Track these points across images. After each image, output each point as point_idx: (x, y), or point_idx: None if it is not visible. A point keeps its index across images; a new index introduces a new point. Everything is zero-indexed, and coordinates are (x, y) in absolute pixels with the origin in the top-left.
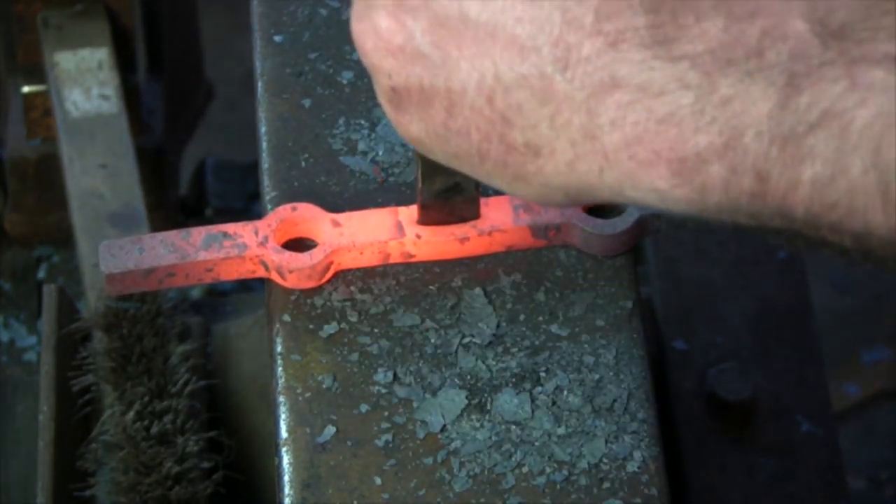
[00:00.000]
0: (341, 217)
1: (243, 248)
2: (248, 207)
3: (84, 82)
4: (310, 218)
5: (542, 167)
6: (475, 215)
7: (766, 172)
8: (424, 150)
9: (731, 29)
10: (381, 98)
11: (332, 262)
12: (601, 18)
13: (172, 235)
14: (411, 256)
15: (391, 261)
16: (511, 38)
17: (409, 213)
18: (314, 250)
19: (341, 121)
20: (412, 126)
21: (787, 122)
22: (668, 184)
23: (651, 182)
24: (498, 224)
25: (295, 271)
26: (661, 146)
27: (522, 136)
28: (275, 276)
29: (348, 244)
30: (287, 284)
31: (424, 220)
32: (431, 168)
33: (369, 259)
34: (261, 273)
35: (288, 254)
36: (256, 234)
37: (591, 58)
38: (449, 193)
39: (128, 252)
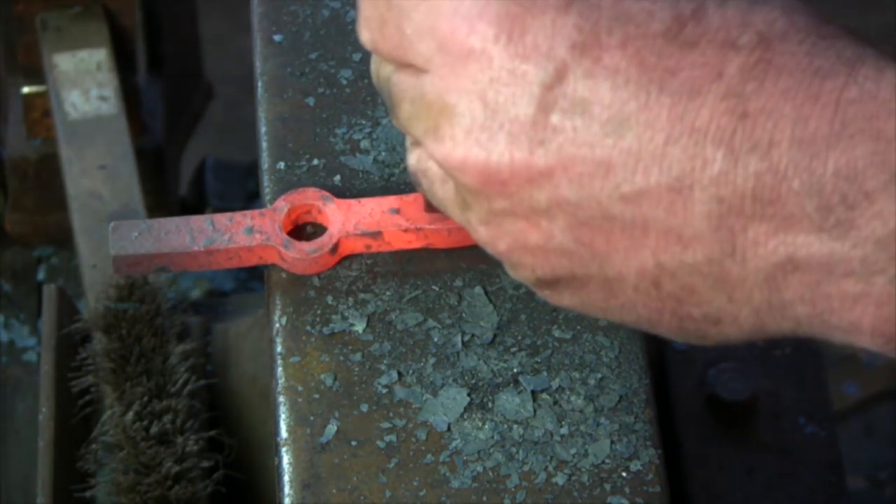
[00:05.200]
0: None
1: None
2: (247, 207)
3: (83, 84)
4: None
5: (724, 331)
6: None
7: None
8: (581, 313)
9: None
10: (524, 282)
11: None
12: (761, 202)
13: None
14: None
15: (397, 247)
16: (666, 229)
17: (415, 198)
18: (321, 238)
19: (342, 120)
20: (564, 300)
21: None
22: (875, 348)
23: (853, 342)
24: None
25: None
26: (863, 321)
27: (699, 309)
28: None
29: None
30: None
31: (430, 206)
32: None
33: (379, 245)
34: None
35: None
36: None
37: (760, 240)
38: None
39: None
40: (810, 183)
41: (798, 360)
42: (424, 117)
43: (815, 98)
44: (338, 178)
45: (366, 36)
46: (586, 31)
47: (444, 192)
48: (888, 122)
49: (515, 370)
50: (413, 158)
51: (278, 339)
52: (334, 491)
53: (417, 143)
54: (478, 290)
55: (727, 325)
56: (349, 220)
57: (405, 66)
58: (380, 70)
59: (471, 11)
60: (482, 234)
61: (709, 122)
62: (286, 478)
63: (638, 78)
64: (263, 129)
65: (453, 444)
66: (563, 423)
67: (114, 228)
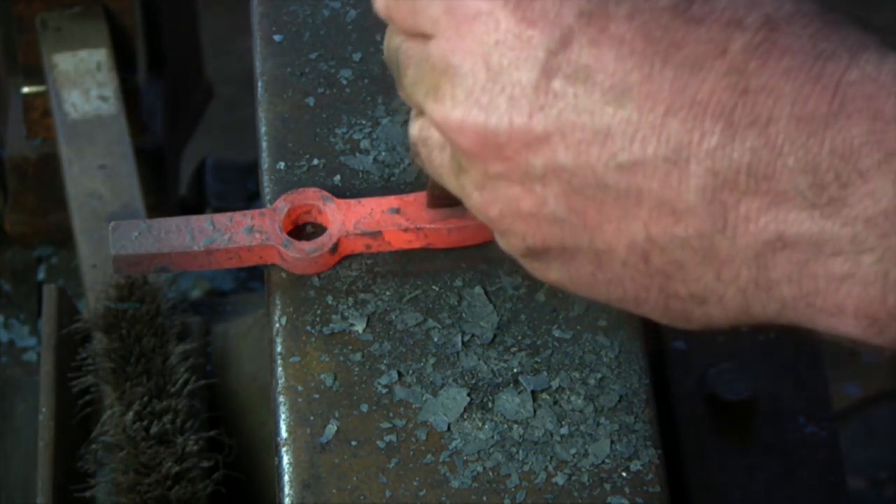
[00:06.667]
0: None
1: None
2: (248, 207)
3: (83, 84)
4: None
5: (709, 312)
6: None
7: None
8: (566, 291)
9: None
10: (513, 254)
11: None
12: (756, 178)
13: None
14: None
15: (397, 247)
16: (659, 201)
17: (415, 198)
18: (321, 238)
19: (342, 120)
20: (551, 274)
21: None
22: (858, 332)
23: (836, 327)
24: None
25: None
26: (847, 302)
27: (686, 287)
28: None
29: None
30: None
31: (433, 204)
32: None
33: (379, 245)
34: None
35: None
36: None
37: (752, 216)
38: None
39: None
40: (805, 160)
41: (798, 360)
42: (427, 78)
43: (817, 79)
44: (338, 178)
45: (380, 3)
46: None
47: (440, 160)
48: (887, 102)
49: (515, 370)
50: (415, 128)
51: (278, 339)
52: (334, 491)
53: (421, 113)
54: (478, 290)
55: (712, 305)
56: (349, 219)
57: (415, 35)
58: (391, 41)
59: None
60: (476, 200)
61: (709, 97)
62: (286, 478)
63: (643, 49)
64: (263, 129)
65: (453, 444)
66: (563, 423)
67: (114, 228)
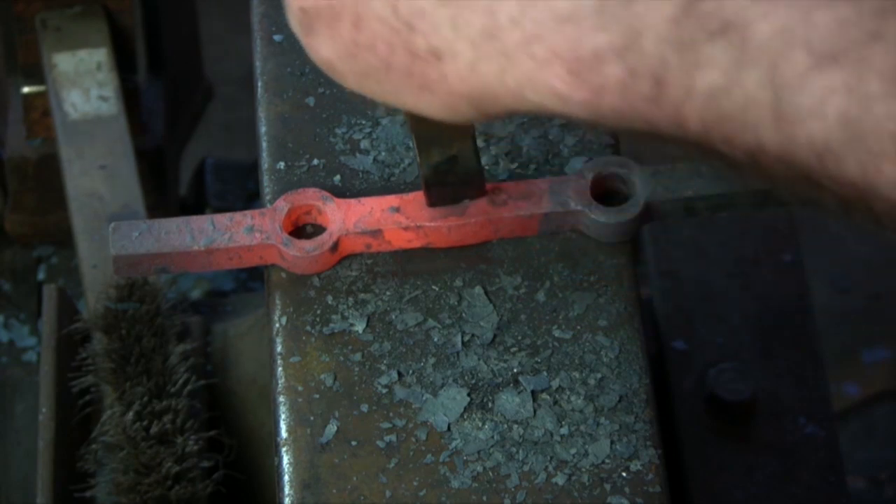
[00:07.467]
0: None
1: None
2: (248, 208)
3: (83, 84)
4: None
5: (445, 72)
6: (481, 190)
7: (662, 77)
8: (336, 74)
9: None
10: (293, 23)
11: (339, 247)
12: None
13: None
14: (417, 241)
15: (398, 246)
16: None
17: (415, 197)
18: (321, 236)
19: (342, 120)
20: (322, 48)
21: (688, 27)
22: (566, 84)
23: (549, 83)
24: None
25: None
26: (560, 45)
27: (426, 40)
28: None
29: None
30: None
31: (430, 200)
32: (427, 140)
33: (379, 244)
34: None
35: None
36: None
37: None
38: (448, 165)
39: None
40: None
41: (798, 360)
42: None
43: None
44: (338, 178)
45: None
46: None
47: None
48: None
49: (515, 370)
50: None
51: (278, 339)
52: (334, 491)
53: None
54: (478, 290)
55: (448, 62)
56: (349, 218)
57: None
58: None
59: None
60: None
61: None
62: (286, 478)
63: None
64: (263, 129)
65: (453, 444)
66: (563, 423)
67: (114, 228)
